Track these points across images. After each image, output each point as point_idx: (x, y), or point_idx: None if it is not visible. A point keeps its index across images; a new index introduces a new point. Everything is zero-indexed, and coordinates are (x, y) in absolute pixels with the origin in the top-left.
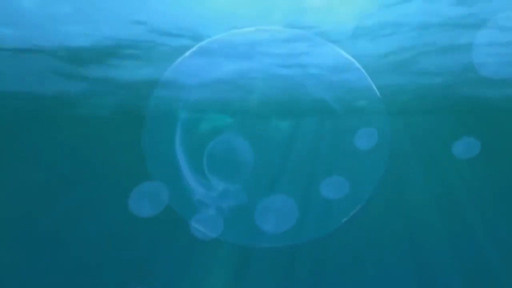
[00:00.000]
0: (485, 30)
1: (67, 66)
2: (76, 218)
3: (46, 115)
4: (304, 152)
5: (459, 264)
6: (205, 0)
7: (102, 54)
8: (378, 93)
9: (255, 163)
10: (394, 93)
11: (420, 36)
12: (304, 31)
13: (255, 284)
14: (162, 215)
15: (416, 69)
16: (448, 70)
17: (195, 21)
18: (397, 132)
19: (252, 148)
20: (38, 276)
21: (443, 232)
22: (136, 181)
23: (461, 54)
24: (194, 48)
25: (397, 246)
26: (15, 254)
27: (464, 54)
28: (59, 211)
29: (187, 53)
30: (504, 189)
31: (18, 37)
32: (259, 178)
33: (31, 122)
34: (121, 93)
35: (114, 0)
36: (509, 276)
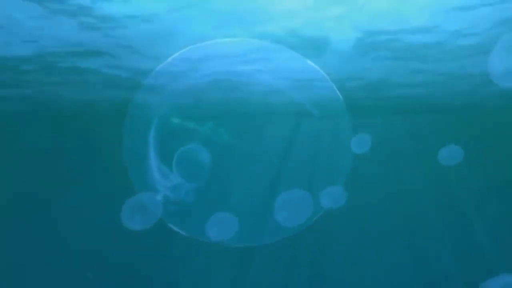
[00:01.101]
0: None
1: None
2: (74, 218)
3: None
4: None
5: (459, 263)
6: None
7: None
8: (342, 98)
9: (239, 162)
10: (396, 93)
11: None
12: (273, 42)
13: (255, 283)
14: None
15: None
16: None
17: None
18: (397, 132)
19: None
20: (37, 276)
21: (442, 230)
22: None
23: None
24: (175, 55)
25: (397, 243)
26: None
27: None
28: (59, 211)
29: (169, 59)
30: (503, 188)
31: None
32: (247, 178)
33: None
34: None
35: None
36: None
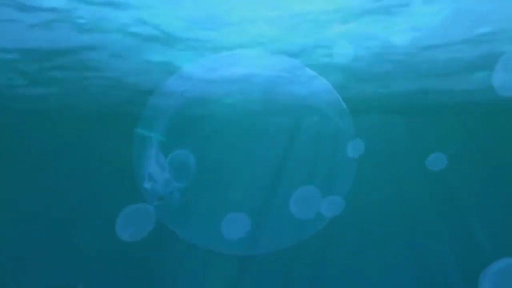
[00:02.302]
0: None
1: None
2: (72, 219)
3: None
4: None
5: (459, 264)
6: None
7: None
8: (342, 101)
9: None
10: (397, 94)
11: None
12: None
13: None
14: (157, 225)
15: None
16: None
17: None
18: (397, 132)
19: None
20: (31, 280)
21: (442, 230)
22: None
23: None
24: (194, 64)
25: (396, 246)
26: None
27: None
28: (62, 209)
29: (187, 66)
30: (502, 188)
31: None
32: (255, 179)
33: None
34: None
35: None
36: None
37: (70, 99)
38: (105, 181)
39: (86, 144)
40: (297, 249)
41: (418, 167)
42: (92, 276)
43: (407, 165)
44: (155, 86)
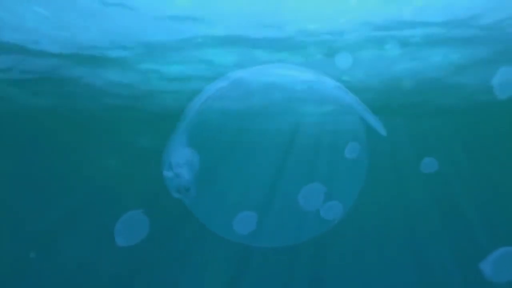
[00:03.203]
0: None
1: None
2: (73, 217)
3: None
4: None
5: (460, 264)
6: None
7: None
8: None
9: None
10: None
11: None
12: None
13: (256, 284)
14: (161, 217)
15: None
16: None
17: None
18: (397, 132)
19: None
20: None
21: (442, 231)
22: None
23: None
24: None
25: (396, 246)
26: None
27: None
28: (58, 210)
29: (231, 74)
30: (501, 189)
31: None
32: (260, 178)
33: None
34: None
35: None
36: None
37: (62, 101)
38: (99, 185)
39: (80, 148)
40: (297, 248)
41: (418, 168)
42: (91, 276)
43: (407, 166)
44: (148, 93)
